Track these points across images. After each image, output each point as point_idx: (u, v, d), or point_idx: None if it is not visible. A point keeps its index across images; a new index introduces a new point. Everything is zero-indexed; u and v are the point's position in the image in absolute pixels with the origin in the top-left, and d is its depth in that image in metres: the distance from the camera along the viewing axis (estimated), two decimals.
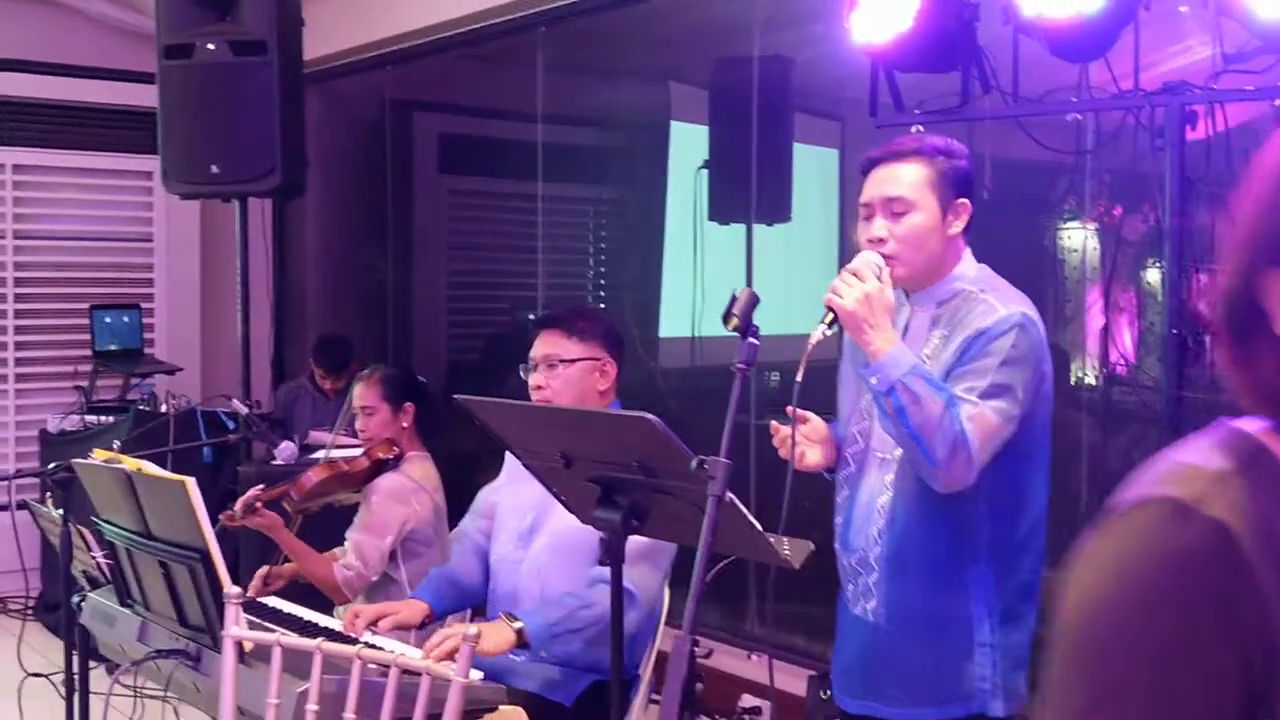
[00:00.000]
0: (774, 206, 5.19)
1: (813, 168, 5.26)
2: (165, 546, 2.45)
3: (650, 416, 1.87)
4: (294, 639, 2.10)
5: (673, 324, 5.78)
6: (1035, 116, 3.09)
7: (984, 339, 2.18)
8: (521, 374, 3.05)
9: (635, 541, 2.72)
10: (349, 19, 6.05)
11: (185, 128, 4.77)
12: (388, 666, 2.00)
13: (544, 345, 2.99)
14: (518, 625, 2.66)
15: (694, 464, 1.80)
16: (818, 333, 2.15)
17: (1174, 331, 2.84)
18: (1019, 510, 2.29)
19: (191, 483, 2.33)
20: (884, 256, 2.25)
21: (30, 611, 6.03)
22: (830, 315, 2.18)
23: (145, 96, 6.65)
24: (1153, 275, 3.98)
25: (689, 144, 5.72)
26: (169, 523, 2.44)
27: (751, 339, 1.92)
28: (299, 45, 4.91)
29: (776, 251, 5.28)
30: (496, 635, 2.63)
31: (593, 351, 2.96)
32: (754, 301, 1.96)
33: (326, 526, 3.78)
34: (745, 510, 1.94)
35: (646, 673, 2.95)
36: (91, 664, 3.33)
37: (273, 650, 2.05)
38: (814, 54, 4.93)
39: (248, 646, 2.25)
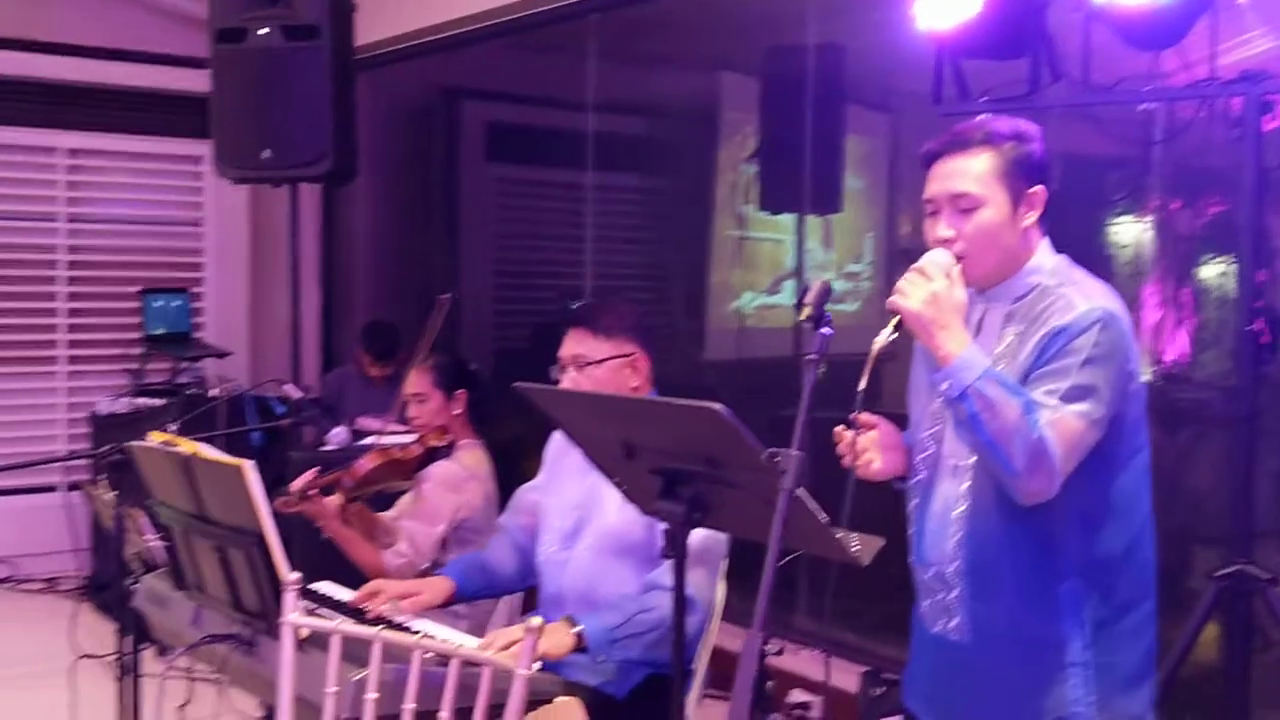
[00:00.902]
0: (826, 197, 5.14)
1: (862, 158, 5.21)
2: (222, 530, 2.44)
3: (718, 407, 1.82)
4: (353, 627, 2.08)
5: (719, 315, 5.74)
6: (1107, 105, 3.02)
7: (1064, 337, 2.04)
8: (553, 374, 2.99)
9: (692, 546, 2.69)
10: (400, 4, 6.04)
11: (237, 112, 4.77)
12: (447, 656, 1.98)
13: (572, 345, 2.94)
14: (577, 629, 2.62)
15: (765, 456, 1.76)
16: (883, 337, 2.02)
17: (1249, 328, 2.76)
18: (1113, 521, 2.14)
19: (250, 466, 2.32)
20: (956, 256, 2.11)
21: (82, 592, 6.08)
22: (896, 318, 2.04)
23: (196, 81, 6.66)
24: (1206, 271, 3.91)
25: (738, 133, 5.69)
26: (226, 506, 2.43)
27: (825, 329, 1.86)
28: (350, 30, 4.90)
29: (817, 242, 5.24)
30: (556, 638, 2.59)
31: (621, 348, 2.91)
32: (827, 292, 1.90)
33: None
34: (814, 505, 1.89)
35: (701, 666, 2.92)
36: (142, 646, 3.34)
37: (331, 639, 2.03)
38: (863, 43, 4.88)
39: (304, 634, 2.23)
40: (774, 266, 5.61)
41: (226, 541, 2.41)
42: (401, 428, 5.02)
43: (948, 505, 2.20)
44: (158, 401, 5.72)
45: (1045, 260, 2.19)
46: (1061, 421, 2.00)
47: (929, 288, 2.03)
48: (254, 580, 2.39)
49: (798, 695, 4.55)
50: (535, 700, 2.40)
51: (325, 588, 2.95)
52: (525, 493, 3.17)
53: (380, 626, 2.09)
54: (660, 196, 6.28)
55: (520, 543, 3.10)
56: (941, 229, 2.14)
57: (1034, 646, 2.14)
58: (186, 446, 2.52)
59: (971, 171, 2.13)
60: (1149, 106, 2.93)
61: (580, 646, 2.63)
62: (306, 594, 2.80)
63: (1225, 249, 3.62)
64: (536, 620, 1.91)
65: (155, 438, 2.68)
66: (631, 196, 6.28)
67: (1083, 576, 2.12)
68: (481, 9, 5.78)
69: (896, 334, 2.04)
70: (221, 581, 2.49)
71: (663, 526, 2.60)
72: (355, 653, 2.15)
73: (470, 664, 2.01)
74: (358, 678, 2.14)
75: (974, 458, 2.13)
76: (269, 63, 4.69)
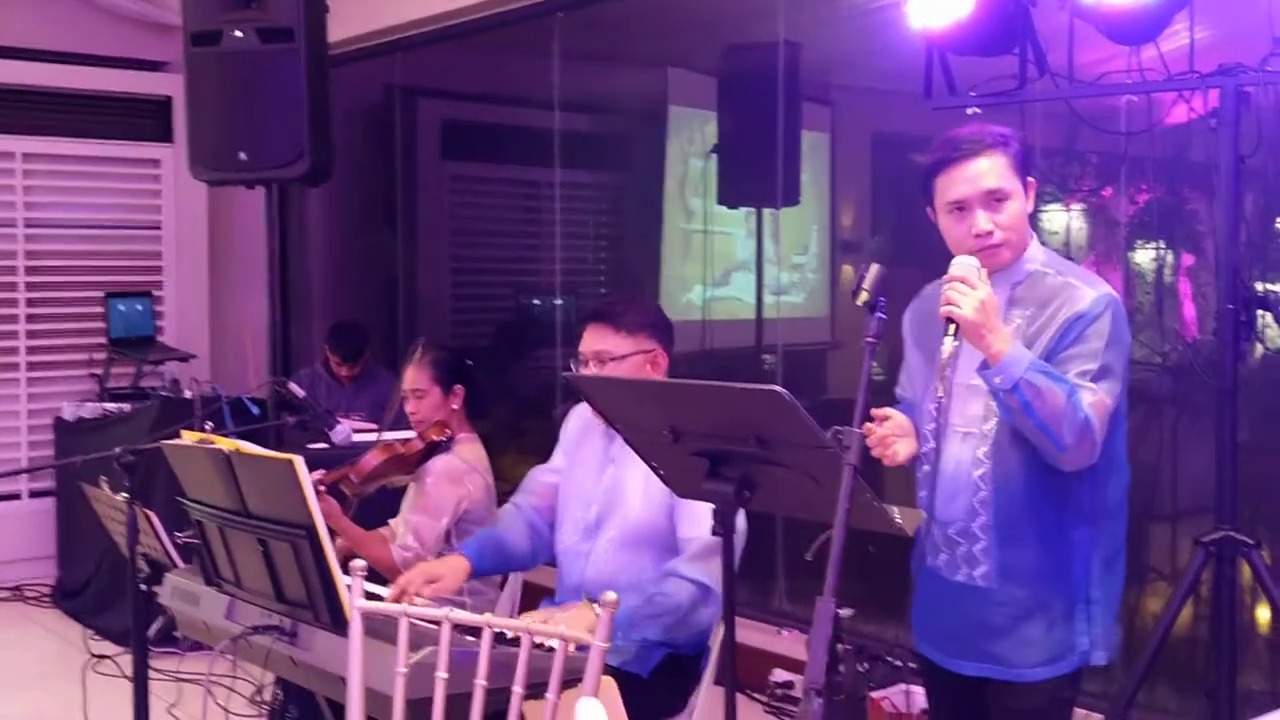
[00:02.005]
0: (785, 190, 5.26)
1: (806, 152, 5.33)
2: (266, 524, 2.49)
3: (780, 389, 1.93)
4: (421, 609, 2.15)
5: (680, 307, 5.84)
6: (1089, 99, 3.16)
7: (1083, 322, 2.30)
8: (572, 368, 3.05)
9: (705, 539, 2.78)
10: (361, 5, 6.06)
11: (212, 115, 4.75)
12: (517, 635, 2.06)
13: (593, 340, 3.00)
14: (597, 611, 2.70)
15: (830, 434, 1.87)
16: (948, 346, 2.20)
17: (1229, 307, 2.92)
18: (1111, 471, 2.42)
19: (300, 461, 2.37)
20: (992, 246, 2.34)
21: (49, 599, 6.04)
22: (953, 326, 2.22)
23: (152, 84, 6.68)
24: (1141, 256, 4.10)
25: (689, 130, 5.79)
26: (270, 500, 2.48)
27: (880, 314, 1.98)
28: (324, 32, 4.91)
29: (771, 234, 5.37)
30: (579, 620, 2.67)
31: (642, 344, 2.99)
32: (884, 277, 2.02)
33: (379, 509, 3.84)
34: (862, 481, 2.00)
35: (716, 645, 3.01)
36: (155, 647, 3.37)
37: (399, 622, 2.10)
38: (807, 38, 5.01)
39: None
40: (725, 260, 5.73)
41: (272, 535, 2.46)
42: (371, 426, 5.07)
43: (962, 467, 2.43)
44: (126, 406, 5.71)
45: (1037, 249, 2.46)
46: (1100, 402, 2.28)
47: (976, 295, 2.23)
48: (300, 570, 2.44)
49: (780, 675, 4.67)
50: (571, 679, 2.48)
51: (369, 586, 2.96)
52: (540, 473, 3.24)
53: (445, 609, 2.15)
54: (621, 192, 6.38)
55: (533, 522, 3.17)
56: (983, 222, 2.37)
57: (1052, 588, 2.40)
58: (226, 444, 2.56)
59: (996, 169, 2.38)
60: (1132, 98, 3.05)
61: None
62: None
63: (1158, 235, 3.82)
64: (611, 595, 1.99)
65: (190, 436, 2.72)
66: (594, 193, 6.36)
67: (1089, 524, 2.41)
68: (445, 9, 5.83)
69: (958, 341, 2.22)
70: (263, 574, 2.54)
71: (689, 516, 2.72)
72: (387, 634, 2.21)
73: (539, 644, 2.09)
74: (415, 660, 2.21)
75: (987, 424, 2.38)
76: (244, 65, 4.68)
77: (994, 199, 2.36)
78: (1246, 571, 2.97)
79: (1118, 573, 2.46)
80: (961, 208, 2.38)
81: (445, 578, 2.91)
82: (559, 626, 2.03)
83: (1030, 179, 2.43)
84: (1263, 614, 3.57)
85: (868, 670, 4.09)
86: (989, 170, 2.36)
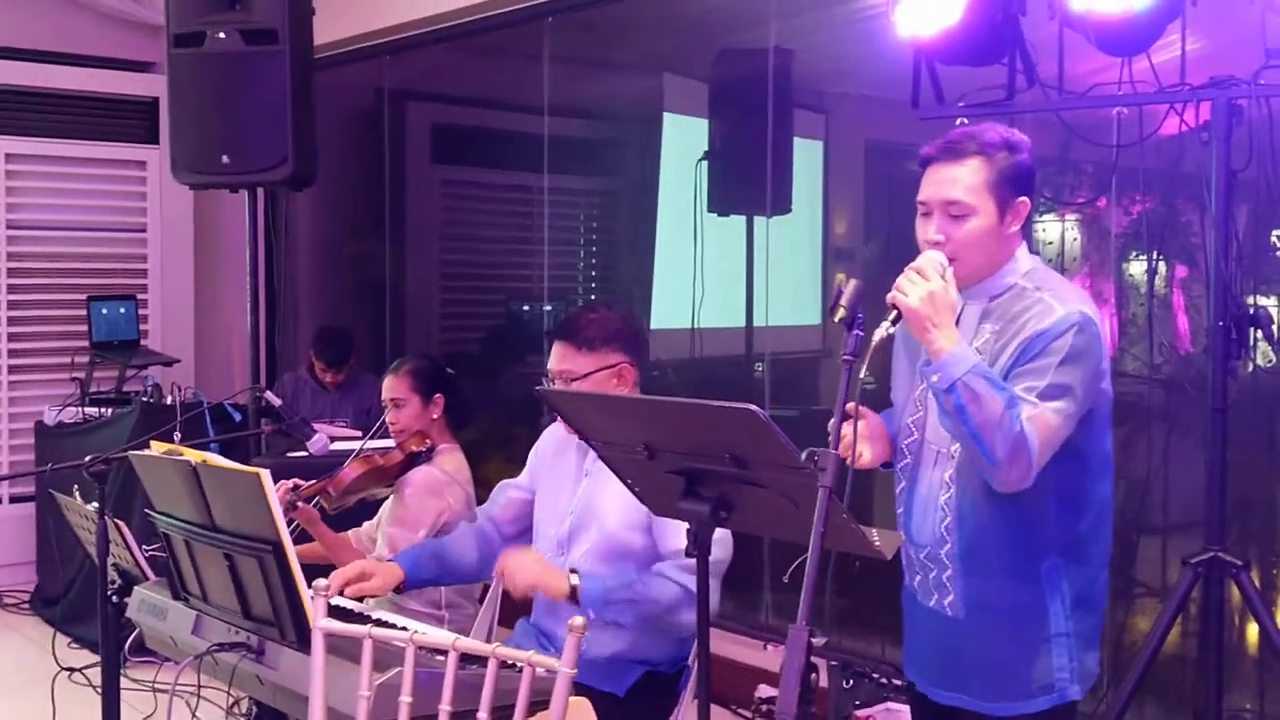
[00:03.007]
0: (776, 198, 5.22)
1: (799, 160, 5.29)
2: (232, 538, 2.43)
3: (754, 408, 1.87)
4: (385, 632, 2.09)
5: (671, 316, 5.79)
6: (1079, 110, 3.12)
7: (1043, 339, 2.19)
8: (544, 383, 3.01)
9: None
10: (350, 8, 6.01)
11: (195, 117, 4.71)
12: (484, 658, 2.00)
13: (557, 359, 2.96)
14: (574, 582, 2.73)
15: (805, 456, 1.81)
16: (882, 330, 2.12)
17: (1220, 324, 2.87)
18: (1083, 504, 2.30)
19: (266, 475, 2.32)
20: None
21: (27, 606, 5.98)
22: (895, 313, 2.15)
23: (138, 85, 6.62)
24: (1134, 267, 4.06)
25: (683, 136, 5.75)
26: (236, 514, 2.42)
27: (858, 330, 1.92)
28: (309, 34, 4.87)
29: (763, 243, 5.32)
30: (553, 579, 2.74)
31: (605, 360, 2.92)
32: (862, 293, 1.96)
33: (355, 521, 3.79)
34: (841, 503, 1.95)
35: (695, 662, 2.96)
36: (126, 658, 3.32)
37: (364, 643, 2.04)
38: (801, 45, 4.97)
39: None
40: (715, 267, 5.68)
41: (238, 550, 2.41)
42: (355, 432, 5.01)
43: (933, 489, 2.34)
44: (106, 410, 5.65)
45: (1023, 264, 2.34)
46: (1040, 417, 2.14)
47: (927, 286, 2.15)
48: (267, 587, 2.39)
49: (765, 690, 4.62)
50: (542, 700, 2.42)
51: (339, 600, 2.92)
52: (506, 488, 3.21)
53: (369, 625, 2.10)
54: (612, 198, 6.33)
55: (488, 534, 3.14)
56: (932, 232, 2.28)
57: (1022, 621, 2.29)
58: (194, 455, 2.51)
59: (964, 181, 2.26)
60: (1122, 111, 3.01)
61: (574, 599, 2.73)
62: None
63: (1150, 246, 3.78)
64: (579, 620, 1.94)
65: (158, 447, 2.66)
66: (583, 199, 6.31)
67: (1061, 554, 2.29)
68: (435, 12, 5.78)
69: (894, 328, 2.15)
70: (229, 590, 2.49)
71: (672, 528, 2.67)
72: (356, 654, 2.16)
73: (506, 665, 2.03)
74: (379, 682, 2.15)
75: (954, 444, 2.28)
76: (227, 67, 4.64)
77: (951, 212, 2.26)
78: (1236, 590, 2.92)
79: (1095, 606, 2.35)
80: (925, 209, 2.30)
81: (374, 578, 2.89)
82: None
83: (1023, 198, 2.29)
84: (1251, 633, 3.52)
85: (851, 687, 4.04)
86: (955, 181, 2.25)
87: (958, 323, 2.28)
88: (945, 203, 2.26)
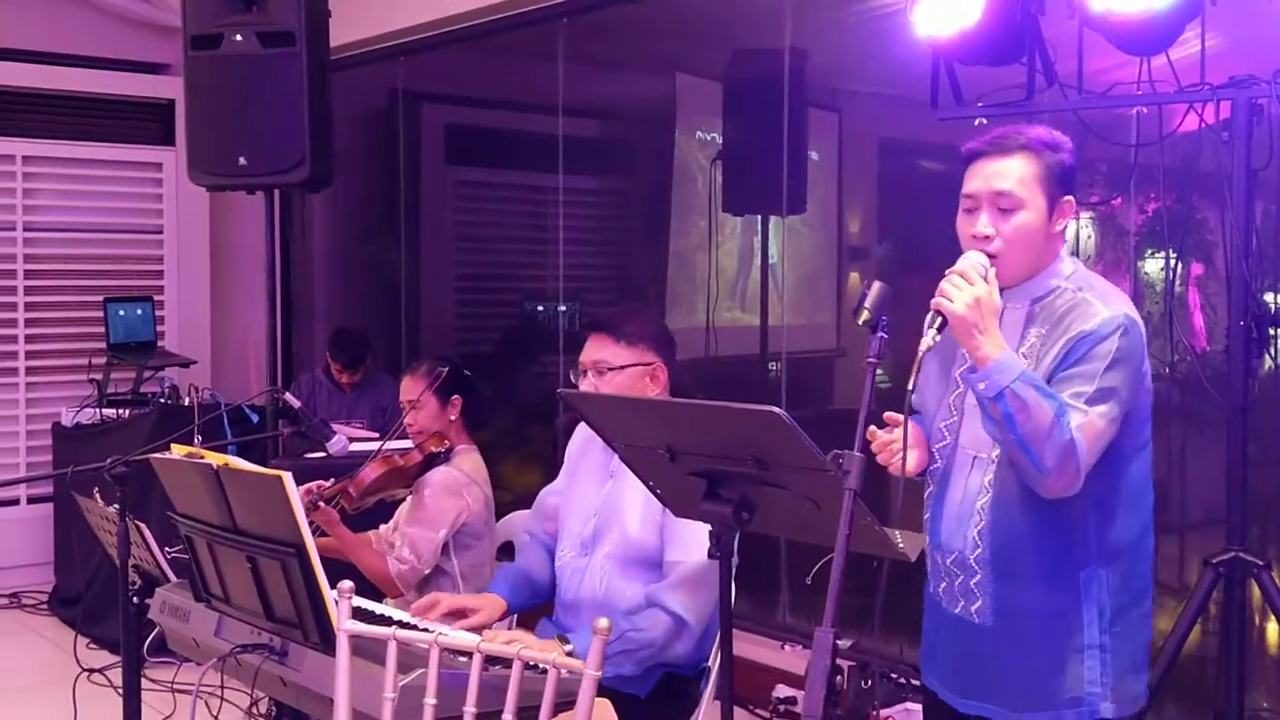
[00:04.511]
0: (791, 198, 5.22)
1: (813, 158, 5.28)
2: (255, 541, 2.44)
3: (778, 410, 1.87)
4: (409, 633, 2.10)
5: (685, 315, 5.80)
6: (1098, 110, 3.11)
7: (1088, 341, 2.15)
8: (571, 377, 3.02)
9: (689, 567, 2.75)
10: (365, 9, 6.02)
11: (212, 119, 4.72)
12: (506, 660, 2.01)
13: (593, 350, 2.95)
14: (568, 648, 2.63)
15: (830, 458, 1.81)
16: (928, 338, 2.08)
17: (1240, 323, 2.87)
18: (1128, 509, 2.25)
19: (288, 478, 2.32)
20: (990, 253, 2.20)
21: (45, 606, 6.00)
22: (939, 319, 2.10)
23: (155, 88, 6.64)
24: (1151, 265, 4.05)
25: (696, 136, 5.75)
26: (259, 517, 2.43)
27: (882, 333, 1.92)
28: (326, 36, 4.88)
29: (777, 242, 5.32)
30: (545, 652, 2.63)
31: (642, 356, 2.93)
32: (886, 295, 1.96)
33: (374, 521, 3.80)
34: (863, 505, 1.95)
35: (715, 665, 2.96)
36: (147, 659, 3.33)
37: (388, 645, 2.05)
38: (815, 45, 4.96)
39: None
40: (731, 267, 5.68)
41: (261, 552, 2.42)
42: (372, 434, 5.03)
43: (968, 494, 2.29)
44: (124, 412, 5.67)
45: (1065, 265, 2.30)
46: (1090, 425, 2.11)
47: (972, 291, 2.11)
48: (289, 589, 2.39)
49: (782, 690, 4.62)
50: (566, 701, 2.43)
51: (362, 602, 2.91)
52: (547, 496, 3.21)
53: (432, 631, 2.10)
54: (627, 198, 6.33)
55: (549, 545, 3.14)
56: (981, 225, 2.23)
57: (1054, 629, 2.24)
58: (215, 458, 2.52)
59: (1015, 173, 2.23)
60: (1142, 109, 3.00)
61: None
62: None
63: (1167, 244, 3.76)
64: (604, 622, 1.94)
65: (179, 450, 2.67)
66: (598, 199, 6.31)
67: (1100, 564, 2.24)
68: (449, 13, 5.79)
69: (940, 335, 2.10)
70: (252, 592, 2.49)
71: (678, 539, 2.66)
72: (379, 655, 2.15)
73: (530, 666, 2.04)
74: (404, 683, 2.16)
75: (996, 450, 2.22)
76: (245, 69, 4.65)
77: (1001, 205, 2.22)
78: (1257, 589, 2.91)
79: (1139, 619, 2.28)
80: (971, 204, 2.26)
81: (481, 614, 2.88)
82: (551, 654, 1.97)
83: (1069, 197, 2.26)
84: (1273, 633, 3.51)
85: (871, 687, 4.04)
86: (1006, 173, 2.22)
87: (1000, 326, 2.23)
88: (995, 194, 2.22)
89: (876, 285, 1.97)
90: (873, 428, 2.19)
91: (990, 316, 2.11)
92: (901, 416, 2.14)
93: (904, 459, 2.10)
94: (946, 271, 2.14)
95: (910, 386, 1.96)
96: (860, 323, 1.95)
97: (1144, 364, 2.24)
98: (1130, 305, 2.24)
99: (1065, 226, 2.27)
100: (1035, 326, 2.25)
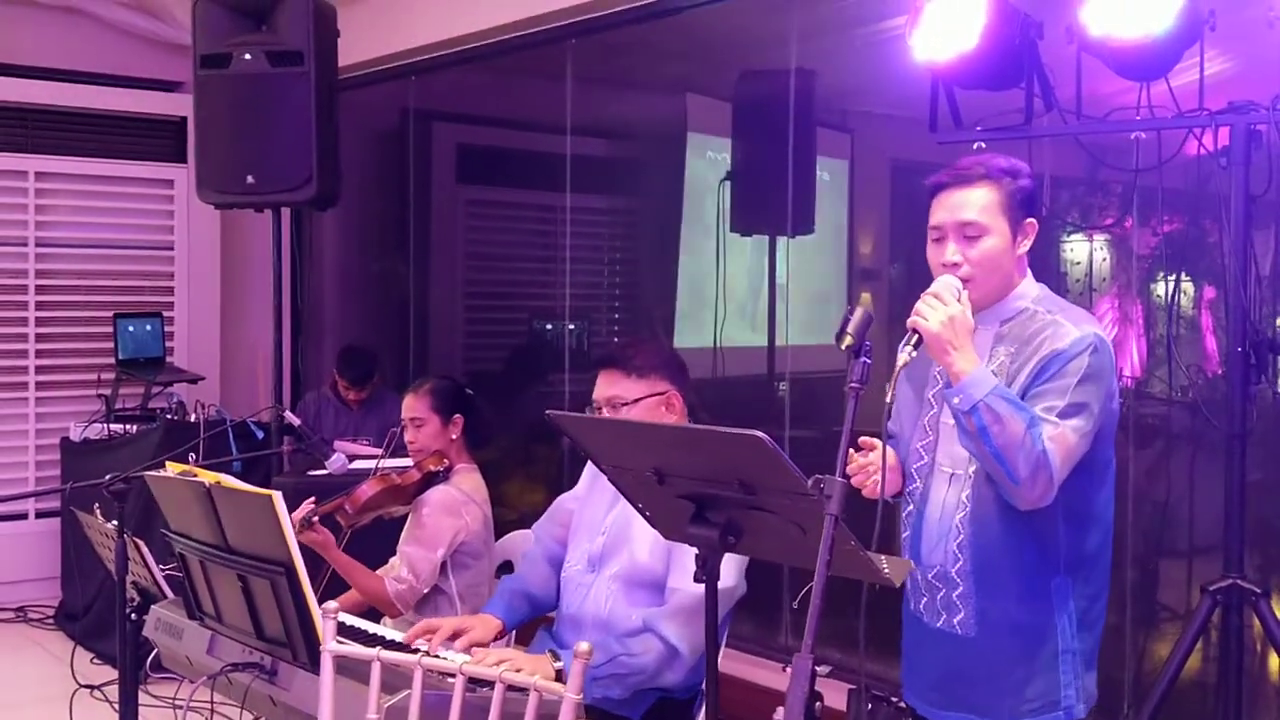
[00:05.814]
0: (798, 218, 5.22)
1: (824, 179, 5.28)
2: (245, 559, 2.45)
3: (760, 434, 1.88)
4: (393, 655, 2.10)
5: (693, 335, 5.79)
6: (1097, 135, 3.10)
7: (1060, 359, 2.25)
8: (587, 412, 2.99)
9: (687, 595, 2.73)
10: (376, 29, 6.06)
11: (221, 138, 4.77)
12: (490, 682, 2.00)
13: (605, 386, 2.95)
14: (558, 666, 2.61)
15: (810, 483, 1.81)
16: (904, 355, 2.19)
17: (1239, 350, 2.85)
18: (1091, 522, 2.35)
19: (278, 497, 2.33)
20: (961, 280, 2.31)
21: (52, 620, 6.02)
22: (915, 337, 2.21)
23: (167, 105, 6.69)
24: (1161, 288, 4.03)
25: (705, 156, 5.76)
26: (250, 535, 2.44)
27: (865, 358, 1.93)
28: (334, 55, 4.92)
29: (785, 262, 5.32)
30: (538, 668, 2.57)
31: (655, 386, 2.93)
32: (868, 321, 1.97)
33: (373, 539, 3.79)
34: (846, 529, 1.94)
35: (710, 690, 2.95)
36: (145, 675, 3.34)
37: (372, 665, 2.05)
38: (823, 66, 4.97)
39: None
40: (739, 287, 5.68)
41: (251, 571, 2.42)
42: (378, 450, 5.03)
43: (946, 510, 2.38)
44: (132, 427, 5.69)
45: (1030, 287, 2.42)
46: (1061, 437, 2.21)
47: (946, 311, 2.22)
48: (279, 608, 2.40)
49: (782, 713, 4.59)
50: None
51: (356, 621, 2.91)
52: (565, 501, 3.19)
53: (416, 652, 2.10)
54: (635, 218, 6.34)
55: (555, 554, 3.12)
56: (950, 254, 2.35)
57: (1031, 637, 2.34)
58: (208, 477, 2.53)
59: (978, 203, 2.35)
60: (1141, 135, 3.00)
61: (560, 680, 2.66)
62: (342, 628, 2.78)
63: (1176, 267, 3.75)
64: (584, 645, 1.94)
65: (174, 468, 2.68)
66: (607, 218, 6.32)
67: (1069, 572, 2.35)
68: (459, 33, 5.82)
69: (916, 352, 2.20)
70: (243, 610, 2.50)
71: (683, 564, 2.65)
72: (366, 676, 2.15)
73: (513, 688, 2.04)
74: (389, 704, 2.16)
75: (973, 465, 2.33)
76: (253, 88, 4.69)
77: (967, 233, 2.33)
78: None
79: (1096, 622, 2.39)
80: (938, 234, 2.37)
81: (476, 632, 2.83)
82: (520, 668, 1.97)
83: (1030, 219, 2.39)
84: (1272, 661, 3.48)
85: (871, 711, 4.02)
86: (971, 203, 2.34)
87: None
88: (961, 224, 2.35)
89: (859, 310, 1.98)
90: (851, 450, 2.23)
91: (964, 335, 2.22)
92: (870, 440, 2.25)
93: (883, 480, 2.17)
94: (922, 294, 2.25)
95: (888, 399, 2.08)
96: (843, 348, 1.97)
97: (1113, 382, 2.33)
98: (1099, 325, 2.35)
99: (1029, 247, 2.39)
100: (1004, 345, 2.36)
